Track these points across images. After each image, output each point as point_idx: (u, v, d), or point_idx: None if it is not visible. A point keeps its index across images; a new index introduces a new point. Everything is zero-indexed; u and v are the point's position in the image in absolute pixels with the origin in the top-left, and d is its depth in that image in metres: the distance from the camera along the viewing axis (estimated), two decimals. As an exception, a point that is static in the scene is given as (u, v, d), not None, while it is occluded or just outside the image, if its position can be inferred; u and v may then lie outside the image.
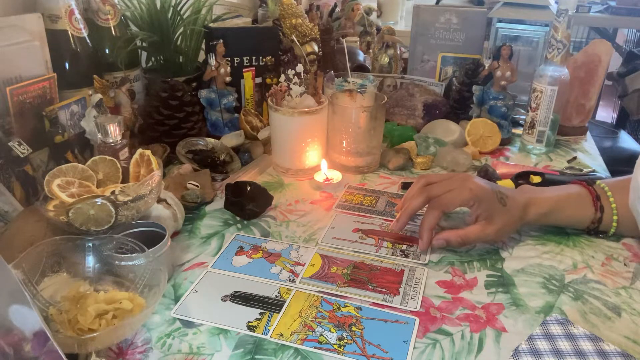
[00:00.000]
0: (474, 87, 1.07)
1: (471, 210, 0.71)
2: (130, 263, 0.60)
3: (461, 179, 0.71)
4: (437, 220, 0.71)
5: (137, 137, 0.95)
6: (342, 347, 0.56)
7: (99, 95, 0.85)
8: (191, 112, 0.99)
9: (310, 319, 0.60)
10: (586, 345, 0.54)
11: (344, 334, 0.57)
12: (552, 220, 0.75)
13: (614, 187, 0.73)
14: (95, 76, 0.87)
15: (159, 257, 0.60)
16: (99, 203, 0.62)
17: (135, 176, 0.72)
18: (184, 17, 1.06)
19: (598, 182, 0.75)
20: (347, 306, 0.62)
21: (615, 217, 0.72)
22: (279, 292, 0.64)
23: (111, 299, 0.55)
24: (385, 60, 1.25)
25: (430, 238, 0.72)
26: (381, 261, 0.70)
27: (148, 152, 0.72)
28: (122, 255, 0.60)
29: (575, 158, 1.03)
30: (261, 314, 0.60)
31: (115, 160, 0.72)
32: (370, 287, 0.65)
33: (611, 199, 0.73)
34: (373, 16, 1.53)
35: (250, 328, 0.58)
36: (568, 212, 0.73)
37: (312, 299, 0.63)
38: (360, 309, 0.61)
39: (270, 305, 0.62)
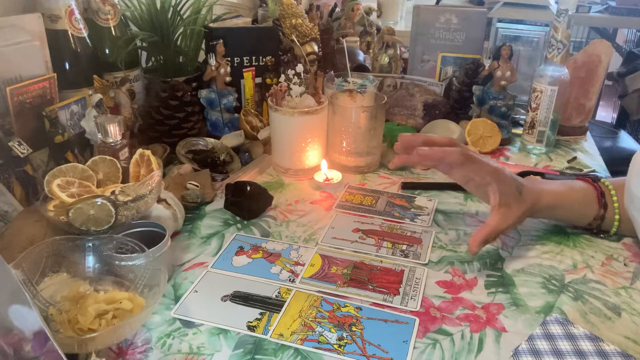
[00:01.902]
0: (474, 87, 1.07)
1: (490, 190, 0.70)
2: (130, 263, 0.60)
3: (487, 159, 0.73)
4: (454, 161, 0.69)
5: (137, 137, 0.95)
6: (342, 347, 0.56)
7: (99, 95, 0.85)
8: (191, 112, 0.99)
9: (310, 319, 0.60)
10: (586, 345, 0.54)
11: (344, 334, 0.57)
12: (557, 215, 0.75)
13: (617, 186, 0.73)
14: (95, 76, 0.87)
15: (159, 257, 0.60)
16: (99, 203, 0.62)
17: (135, 176, 0.72)
18: (184, 17, 1.06)
19: (602, 179, 0.75)
20: (347, 306, 0.62)
21: (617, 217, 0.73)
22: (279, 292, 0.64)
23: (111, 299, 0.55)
24: (385, 60, 1.25)
25: (428, 155, 0.69)
26: (381, 261, 0.70)
27: (148, 152, 0.72)
28: (122, 255, 0.60)
29: (575, 158, 1.03)
30: (261, 314, 0.60)
31: (115, 160, 0.72)
32: (370, 287, 0.65)
33: (614, 198, 0.73)
34: (373, 16, 1.53)
35: (250, 328, 0.58)
36: (573, 206, 0.73)
37: (312, 299, 0.63)
38: (360, 309, 0.61)
39: (270, 305, 0.62)
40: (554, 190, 0.73)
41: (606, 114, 3.13)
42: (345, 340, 0.57)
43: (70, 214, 0.62)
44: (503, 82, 1.03)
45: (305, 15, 1.18)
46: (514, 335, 0.58)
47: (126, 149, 0.76)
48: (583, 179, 0.76)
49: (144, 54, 1.09)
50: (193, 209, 0.82)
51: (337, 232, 0.77)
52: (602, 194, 0.73)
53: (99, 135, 0.74)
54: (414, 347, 0.56)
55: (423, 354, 0.55)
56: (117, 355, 0.55)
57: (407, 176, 0.95)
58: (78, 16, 0.86)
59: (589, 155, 1.05)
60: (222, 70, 1.01)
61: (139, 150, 0.73)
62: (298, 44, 1.11)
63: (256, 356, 0.55)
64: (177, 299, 0.63)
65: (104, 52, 0.95)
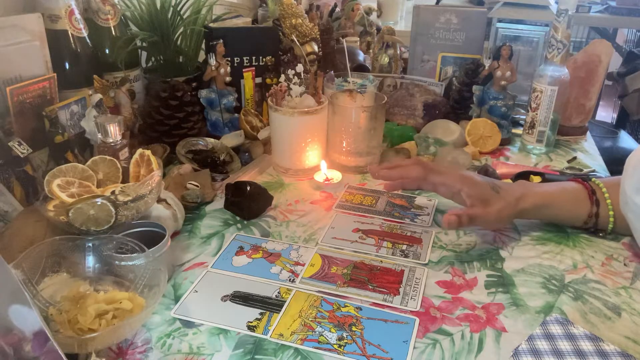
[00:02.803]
0: (474, 87, 1.07)
1: (463, 195, 0.72)
2: (130, 263, 0.60)
3: (457, 169, 0.79)
4: (416, 175, 0.74)
5: (137, 137, 0.95)
6: (342, 347, 0.56)
7: (99, 95, 0.85)
8: (191, 112, 0.99)
9: (310, 319, 0.60)
10: (586, 345, 0.54)
11: (344, 334, 0.57)
12: (549, 214, 0.75)
13: (608, 184, 0.74)
14: (95, 76, 0.87)
15: (159, 257, 0.60)
16: (99, 203, 0.62)
17: (135, 176, 0.72)
18: (184, 17, 1.06)
19: (593, 179, 0.76)
20: (347, 306, 0.62)
21: (611, 212, 0.73)
22: (279, 292, 0.64)
23: (111, 299, 0.55)
24: (385, 60, 1.25)
25: (390, 176, 0.77)
26: (381, 261, 0.70)
27: (148, 152, 0.72)
28: (122, 255, 0.60)
29: (575, 158, 1.03)
30: (261, 314, 0.60)
31: (115, 160, 0.72)
32: (370, 287, 0.65)
33: (606, 195, 0.73)
34: (373, 16, 1.53)
35: (250, 328, 0.58)
36: (565, 205, 0.74)
37: (312, 299, 0.63)
38: (360, 309, 0.61)
39: (270, 305, 0.62)
40: (542, 191, 0.74)
41: (606, 114, 3.13)
42: (345, 340, 0.57)
43: (70, 214, 0.62)
44: (503, 82, 1.03)
45: (305, 15, 1.18)
46: (514, 335, 0.58)
47: (126, 149, 0.76)
48: (573, 180, 0.77)
49: (144, 54, 1.09)
50: (193, 209, 0.82)
51: (337, 232, 0.77)
52: (593, 191, 0.74)
53: (99, 135, 0.74)
54: (414, 347, 0.56)
55: (423, 354, 0.55)
56: (117, 355, 0.55)
57: (407, 176, 0.95)
58: (78, 16, 0.86)
59: (589, 155, 1.05)
60: (222, 70, 1.01)
61: (139, 150, 0.73)
62: (298, 44, 1.11)
63: (256, 356, 0.55)
64: (177, 299, 0.63)
65: (104, 52, 0.95)
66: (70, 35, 0.85)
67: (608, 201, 0.73)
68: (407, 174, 0.76)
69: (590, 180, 0.76)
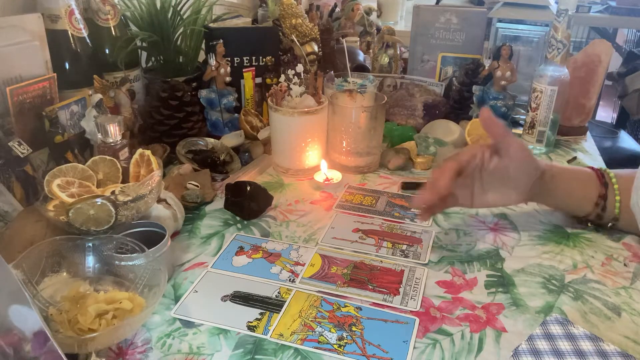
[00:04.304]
0: (474, 87, 1.07)
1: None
2: (130, 263, 0.60)
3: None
4: (439, 190, 0.68)
5: (137, 137, 0.95)
6: (342, 347, 0.56)
7: (99, 95, 0.85)
8: (191, 112, 0.99)
9: (310, 319, 0.60)
10: (586, 345, 0.54)
11: (344, 334, 0.57)
12: (560, 191, 0.75)
13: (618, 175, 0.75)
14: (95, 76, 0.87)
15: (158, 257, 0.60)
16: (99, 203, 0.62)
17: (135, 176, 0.72)
18: (184, 17, 1.06)
19: (602, 168, 0.77)
20: (347, 306, 0.62)
21: (617, 198, 0.73)
22: (279, 292, 0.64)
23: (111, 299, 0.55)
24: (385, 60, 1.25)
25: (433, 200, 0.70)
26: (381, 261, 0.70)
27: (148, 152, 0.72)
28: (122, 255, 0.60)
29: (575, 158, 1.03)
30: (261, 314, 0.60)
31: (115, 160, 0.72)
32: (370, 287, 0.65)
33: (613, 180, 0.74)
34: (373, 16, 1.53)
35: (250, 328, 0.58)
36: (575, 184, 0.75)
37: (312, 299, 0.63)
38: (360, 309, 0.61)
39: (270, 305, 0.62)
40: (553, 163, 0.76)
41: (606, 114, 3.13)
42: (345, 340, 0.57)
43: (70, 214, 0.62)
44: (503, 82, 1.03)
45: (305, 15, 1.18)
46: (514, 335, 0.58)
47: (126, 149, 0.76)
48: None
49: (144, 54, 1.09)
50: (193, 209, 0.82)
51: (337, 232, 0.77)
52: (602, 175, 0.75)
53: (99, 135, 0.74)
54: (414, 347, 0.56)
55: (423, 354, 0.55)
56: (117, 355, 0.55)
57: (407, 176, 0.95)
58: (78, 16, 0.86)
59: (589, 155, 1.05)
60: (222, 70, 1.01)
61: (139, 150, 0.73)
62: (298, 44, 1.11)
63: (256, 356, 0.55)
64: (177, 299, 0.63)
65: (104, 52, 0.95)
66: (70, 35, 0.85)
67: (615, 186, 0.73)
68: (439, 192, 0.69)
69: (599, 169, 0.77)
